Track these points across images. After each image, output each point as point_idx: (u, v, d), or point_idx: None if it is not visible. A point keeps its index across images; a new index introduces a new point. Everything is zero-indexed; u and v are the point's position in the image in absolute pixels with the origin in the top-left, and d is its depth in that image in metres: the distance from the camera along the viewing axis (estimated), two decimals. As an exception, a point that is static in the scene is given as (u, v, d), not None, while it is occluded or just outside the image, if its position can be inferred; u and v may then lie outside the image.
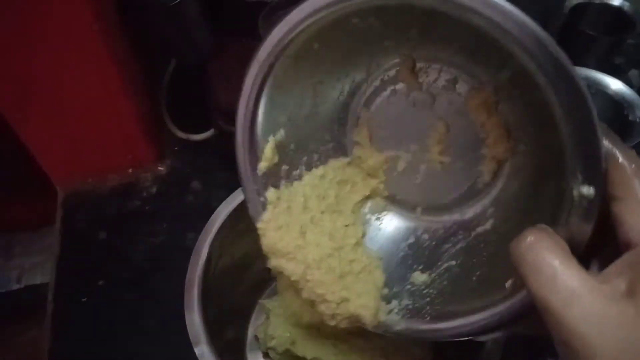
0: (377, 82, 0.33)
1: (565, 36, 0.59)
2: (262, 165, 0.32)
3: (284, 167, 0.33)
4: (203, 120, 0.59)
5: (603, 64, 0.61)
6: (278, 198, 0.32)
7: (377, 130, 0.34)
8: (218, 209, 0.40)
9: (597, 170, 0.22)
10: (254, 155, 0.32)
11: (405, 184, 0.35)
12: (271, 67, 0.29)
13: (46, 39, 0.45)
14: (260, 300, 0.46)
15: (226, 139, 0.59)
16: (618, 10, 0.59)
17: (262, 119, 0.31)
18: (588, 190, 0.22)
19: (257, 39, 0.29)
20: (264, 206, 0.32)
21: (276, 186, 0.33)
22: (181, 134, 0.61)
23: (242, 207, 0.36)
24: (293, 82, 0.31)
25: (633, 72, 0.65)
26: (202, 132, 0.60)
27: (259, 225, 0.32)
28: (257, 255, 0.32)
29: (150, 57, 0.60)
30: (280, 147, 0.32)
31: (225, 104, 0.55)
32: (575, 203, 0.22)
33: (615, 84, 0.48)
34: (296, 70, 0.31)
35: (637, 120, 0.45)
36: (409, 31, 0.29)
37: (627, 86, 0.48)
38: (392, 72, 0.32)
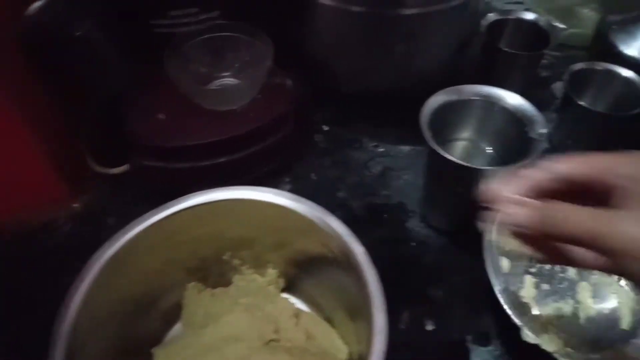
0: None
1: (487, 55, 0.59)
2: None
3: None
4: (121, 153, 0.56)
5: (529, 78, 0.61)
6: None
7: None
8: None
9: None
10: None
11: None
12: None
13: None
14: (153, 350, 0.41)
15: (142, 173, 0.57)
16: (533, 24, 0.60)
17: None
18: None
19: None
20: None
21: None
22: (99, 168, 0.58)
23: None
24: None
25: (556, 85, 0.66)
26: (119, 165, 0.57)
27: None
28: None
29: (66, 91, 0.57)
30: None
31: (141, 136, 0.53)
32: None
33: (514, 100, 0.46)
34: None
35: (536, 137, 0.43)
36: None
37: (527, 102, 0.46)
38: None
